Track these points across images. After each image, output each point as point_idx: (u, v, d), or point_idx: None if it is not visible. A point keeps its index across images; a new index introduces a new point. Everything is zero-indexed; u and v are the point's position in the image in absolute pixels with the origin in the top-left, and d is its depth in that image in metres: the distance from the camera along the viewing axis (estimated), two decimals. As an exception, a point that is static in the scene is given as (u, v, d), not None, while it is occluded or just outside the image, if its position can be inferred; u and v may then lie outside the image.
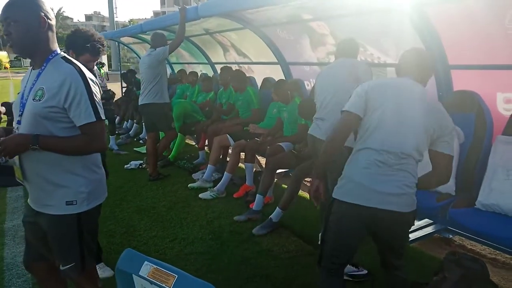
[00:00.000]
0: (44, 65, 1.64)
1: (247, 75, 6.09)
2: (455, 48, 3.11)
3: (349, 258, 2.06)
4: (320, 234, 2.11)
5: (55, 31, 1.70)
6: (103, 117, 1.66)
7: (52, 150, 1.61)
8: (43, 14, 1.61)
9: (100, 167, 1.83)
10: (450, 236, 3.26)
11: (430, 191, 2.80)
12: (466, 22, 2.95)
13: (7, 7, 1.58)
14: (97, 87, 1.69)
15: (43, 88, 1.59)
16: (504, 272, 2.90)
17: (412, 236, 3.10)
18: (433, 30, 3.07)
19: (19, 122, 1.66)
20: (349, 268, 2.69)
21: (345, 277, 2.50)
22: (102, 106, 1.69)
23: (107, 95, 5.85)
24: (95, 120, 1.62)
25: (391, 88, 2.03)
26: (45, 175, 1.66)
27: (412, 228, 3.20)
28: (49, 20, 1.64)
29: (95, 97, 1.64)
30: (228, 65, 5.93)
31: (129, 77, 8.21)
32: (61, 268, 1.74)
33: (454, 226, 2.68)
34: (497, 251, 3.07)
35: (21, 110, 1.65)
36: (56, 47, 1.68)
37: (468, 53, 3.07)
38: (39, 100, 1.58)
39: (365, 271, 2.76)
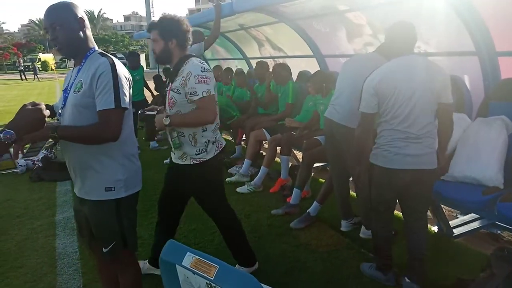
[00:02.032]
0: (83, 61, 1.76)
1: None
2: (503, 34, 2.94)
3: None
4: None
5: (91, 30, 1.84)
6: (125, 106, 1.70)
7: (68, 139, 1.69)
8: (80, 15, 1.74)
9: (137, 159, 1.92)
10: (498, 231, 3.11)
11: (475, 185, 2.69)
12: (514, 6, 2.78)
13: (50, 13, 1.71)
14: (127, 82, 1.76)
15: (81, 80, 1.72)
16: (558, 270, 2.74)
17: (456, 231, 3.00)
18: (477, 16, 2.92)
19: (60, 115, 1.79)
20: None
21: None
22: (127, 96, 1.73)
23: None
24: (114, 107, 1.66)
25: (401, 72, 2.26)
26: (86, 162, 1.77)
27: (457, 223, 3.10)
28: (86, 21, 1.77)
29: (121, 87, 1.69)
30: (263, 59, 5.92)
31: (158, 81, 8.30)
32: (104, 250, 1.85)
33: (502, 221, 2.56)
34: (551, 248, 2.90)
35: (63, 103, 1.78)
36: (94, 44, 1.81)
37: (517, 39, 2.90)
38: (79, 92, 1.70)
39: (392, 232, 2.76)
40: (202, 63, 2.26)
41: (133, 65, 6.45)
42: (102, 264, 2.09)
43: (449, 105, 2.27)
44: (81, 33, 1.74)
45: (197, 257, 1.46)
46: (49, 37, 1.73)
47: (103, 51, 1.81)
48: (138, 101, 6.54)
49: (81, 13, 1.75)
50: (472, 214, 3.13)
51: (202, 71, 2.20)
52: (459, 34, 3.06)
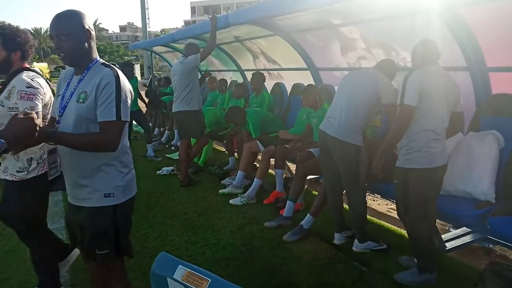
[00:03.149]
0: (85, 71, 1.76)
1: (277, 81, 6.12)
2: (493, 50, 3.00)
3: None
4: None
5: (95, 41, 1.84)
6: (126, 119, 1.72)
7: (66, 144, 1.69)
8: (87, 26, 1.74)
9: (132, 166, 1.93)
10: (490, 245, 3.11)
11: (468, 198, 2.70)
12: (504, 23, 2.84)
13: (57, 22, 1.70)
14: (130, 94, 1.77)
15: (86, 91, 1.71)
16: (550, 284, 2.74)
17: (449, 245, 2.99)
18: (469, 32, 2.98)
19: (58, 122, 1.78)
20: (371, 244, 3.08)
21: (368, 251, 3.07)
22: (128, 109, 1.74)
23: None
24: (115, 119, 1.67)
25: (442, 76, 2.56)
26: (86, 170, 1.77)
27: (449, 236, 3.10)
28: (92, 32, 1.78)
29: (123, 99, 1.70)
30: (259, 71, 5.95)
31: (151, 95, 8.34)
32: (98, 252, 1.83)
33: (494, 235, 2.57)
34: (542, 262, 2.91)
35: (61, 111, 1.77)
36: (96, 55, 1.82)
37: (508, 55, 2.95)
38: (83, 102, 1.70)
39: (385, 246, 3.11)
40: (32, 79, 2.22)
41: (127, 75, 6.41)
42: (95, 274, 2.06)
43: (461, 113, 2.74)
44: (86, 44, 1.75)
45: (189, 270, 1.45)
46: (54, 45, 1.73)
47: (105, 62, 1.81)
48: (132, 112, 6.53)
49: (88, 23, 1.75)
50: (464, 228, 3.14)
51: (28, 87, 2.17)
52: (451, 50, 3.11)
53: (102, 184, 1.78)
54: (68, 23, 1.70)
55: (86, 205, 1.81)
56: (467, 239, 3.09)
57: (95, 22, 61.49)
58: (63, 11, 1.74)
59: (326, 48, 4.79)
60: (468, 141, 2.89)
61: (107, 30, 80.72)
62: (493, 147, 2.73)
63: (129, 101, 1.76)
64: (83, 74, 1.76)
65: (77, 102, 1.72)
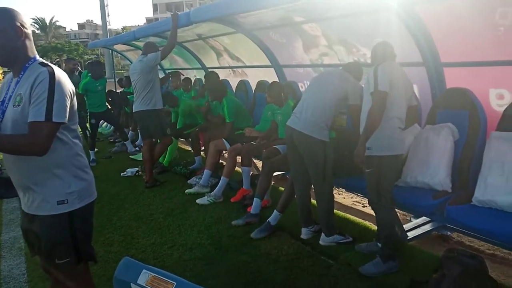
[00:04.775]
0: (22, 72, 1.66)
1: (241, 78, 6.12)
2: (447, 46, 3.13)
3: None
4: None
5: (32, 39, 1.73)
6: (59, 121, 1.60)
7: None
8: (19, 24, 1.64)
9: (90, 169, 1.85)
10: (448, 233, 3.26)
11: (427, 189, 2.82)
12: (457, 20, 2.97)
13: None
14: (69, 94, 1.67)
15: (21, 93, 1.61)
16: (503, 267, 2.91)
17: (410, 234, 3.11)
18: (424, 28, 3.09)
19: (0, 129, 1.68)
20: (337, 237, 3.15)
21: (334, 244, 3.13)
22: (66, 111, 1.63)
23: None
24: (43, 120, 1.56)
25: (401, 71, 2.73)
26: (36, 176, 1.67)
27: (410, 226, 3.22)
28: (25, 29, 1.66)
29: (57, 99, 1.60)
30: (221, 69, 5.91)
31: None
32: (57, 261, 1.75)
33: (451, 223, 2.69)
34: (496, 247, 3.07)
35: (1, 117, 1.66)
36: (34, 54, 1.71)
37: (460, 51, 3.09)
38: (18, 106, 1.60)
39: (350, 238, 3.17)
40: None
41: (96, 74, 6.16)
42: (56, 282, 1.97)
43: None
44: (18, 42, 1.64)
45: (153, 274, 1.42)
46: None
47: (44, 61, 1.71)
48: (100, 112, 6.34)
49: (20, 21, 1.64)
50: (424, 217, 3.27)
51: None
52: (408, 46, 3.22)
53: (54, 190, 1.69)
54: None
55: (39, 213, 1.71)
56: (427, 227, 3.22)
57: (52, 19, 58.84)
58: None
59: (289, 45, 4.83)
60: (425, 134, 3.00)
61: (65, 28, 77.45)
62: (449, 139, 2.85)
63: (67, 102, 1.64)
64: (20, 76, 1.66)
65: (13, 106, 1.62)
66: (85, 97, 6.11)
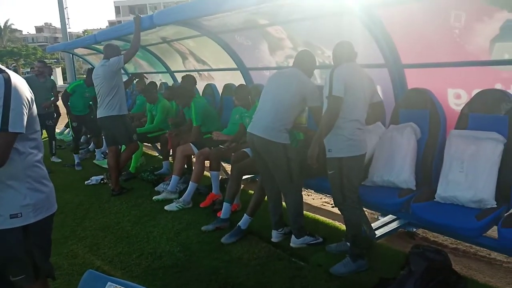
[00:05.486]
0: None
1: (207, 82, 6.06)
2: (407, 48, 3.23)
3: None
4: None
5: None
6: (14, 130, 1.52)
7: None
8: None
9: (49, 181, 1.76)
10: (414, 229, 3.37)
11: (392, 188, 2.89)
12: (415, 23, 3.08)
13: None
14: (27, 102, 1.58)
15: None
16: (465, 260, 3.03)
17: (378, 232, 3.18)
18: (385, 31, 3.18)
19: None
20: (307, 238, 3.18)
21: (305, 245, 3.17)
22: (24, 120, 1.55)
23: None
24: None
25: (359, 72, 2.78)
26: None
27: (378, 224, 3.30)
28: None
29: (14, 107, 1.51)
30: (189, 73, 5.83)
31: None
32: (12, 279, 1.66)
33: (416, 220, 2.77)
34: (458, 241, 3.20)
35: None
36: None
37: (419, 52, 3.20)
38: None
39: (321, 239, 3.21)
40: None
41: (89, 82, 5.92)
42: None
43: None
44: None
45: (119, 286, 1.36)
46: None
47: (0, 67, 1.61)
48: (81, 116, 6.23)
49: None
50: (391, 215, 3.35)
51: None
52: (371, 48, 3.30)
53: (7, 203, 1.60)
54: None
55: None
56: (393, 225, 3.31)
57: (6, 22, 56.04)
58: None
59: (255, 48, 4.83)
60: (389, 133, 3.08)
61: (21, 31, 74.08)
62: (411, 138, 2.94)
63: (24, 110, 1.56)
64: None
65: None
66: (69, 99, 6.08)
